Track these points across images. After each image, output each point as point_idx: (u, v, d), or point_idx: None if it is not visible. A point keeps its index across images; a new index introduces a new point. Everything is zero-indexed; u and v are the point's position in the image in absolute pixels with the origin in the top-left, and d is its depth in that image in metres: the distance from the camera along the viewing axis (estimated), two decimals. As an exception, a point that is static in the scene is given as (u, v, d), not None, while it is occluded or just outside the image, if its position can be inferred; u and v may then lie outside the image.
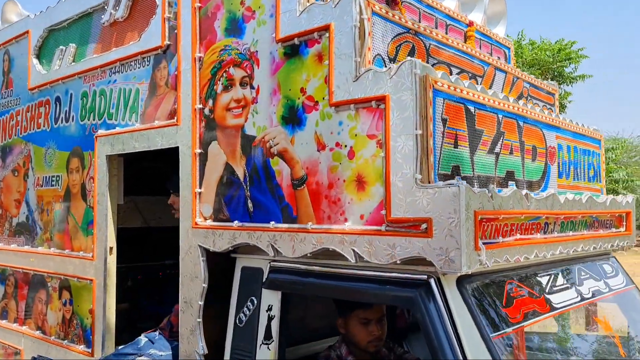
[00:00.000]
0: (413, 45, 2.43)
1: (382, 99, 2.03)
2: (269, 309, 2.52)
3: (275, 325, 2.49)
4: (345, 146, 2.16)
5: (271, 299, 2.51)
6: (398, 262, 1.98)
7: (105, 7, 3.40)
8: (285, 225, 2.34)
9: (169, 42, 2.94)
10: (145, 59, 3.09)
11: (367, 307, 2.64)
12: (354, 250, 2.09)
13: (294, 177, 2.33)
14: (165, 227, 4.21)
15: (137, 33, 3.18)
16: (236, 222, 2.54)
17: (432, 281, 1.98)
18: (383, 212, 2.02)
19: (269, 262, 2.53)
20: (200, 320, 2.71)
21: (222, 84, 2.64)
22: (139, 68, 3.13)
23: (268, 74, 2.46)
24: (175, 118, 2.85)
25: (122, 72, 3.25)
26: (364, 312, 2.62)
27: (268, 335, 2.51)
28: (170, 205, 3.25)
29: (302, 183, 2.30)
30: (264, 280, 2.53)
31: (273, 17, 2.44)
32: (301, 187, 2.31)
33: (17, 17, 4.64)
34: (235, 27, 2.61)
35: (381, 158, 2.04)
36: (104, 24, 3.39)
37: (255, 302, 2.58)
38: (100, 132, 3.35)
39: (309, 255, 2.26)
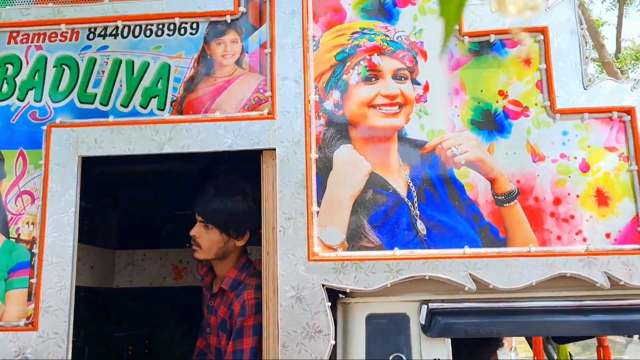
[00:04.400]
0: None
1: (626, 111, 1.95)
2: (435, 364, 1.94)
3: (448, 384, 1.92)
4: (575, 158, 1.95)
5: (437, 350, 1.94)
6: (667, 281, 1.84)
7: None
8: (493, 250, 1.90)
9: (244, 10, 2.14)
10: (190, 25, 2.15)
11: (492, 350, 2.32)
12: (606, 273, 1.85)
13: (497, 191, 1.95)
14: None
15: (156, -12, 2.21)
16: (397, 249, 1.92)
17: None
18: (642, 228, 1.87)
19: (422, 304, 1.97)
20: (325, 394, 1.87)
21: (359, 73, 2.06)
22: (171, 35, 2.15)
23: (443, 70, 2.05)
24: (268, 110, 2.04)
25: (123, 37, 2.17)
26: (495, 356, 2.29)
27: (440, 399, 1.91)
28: (192, 239, 2.22)
29: (512, 198, 1.94)
30: (425, 327, 1.94)
31: (447, 8, 2.08)
32: (510, 204, 1.94)
33: None
34: (379, 10, 2.11)
35: (630, 172, 1.92)
36: (78, -37, 2.24)
37: (404, 359, 1.95)
38: (63, 119, 2.10)
39: (533, 284, 1.87)
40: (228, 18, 2.13)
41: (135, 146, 2.06)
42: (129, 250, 3.40)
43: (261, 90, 2.08)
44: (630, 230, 1.89)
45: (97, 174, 2.26)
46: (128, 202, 3.28)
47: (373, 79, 2.05)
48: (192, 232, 2.22)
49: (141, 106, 2.10)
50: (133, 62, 2.14)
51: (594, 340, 2.72)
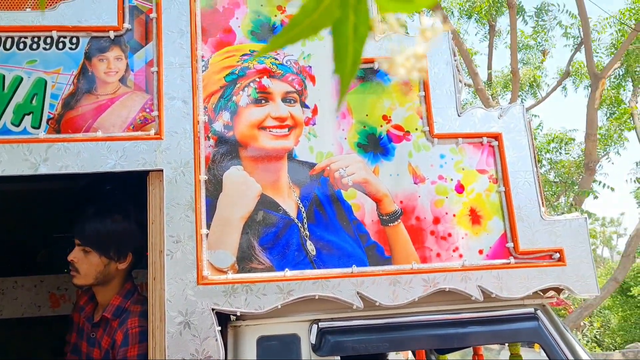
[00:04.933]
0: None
1: (494, 137, 2.13)
2: (324, 383, 1.97)
3: (337, 403, 1.95)
4: (452, 180, 2.09)
5: (327, 369, 1.98)
6: (532, 293, 2.02)
7: None
8: (379, 268, 1.98)
9: (129, 27, 2.08)
10: (70, 40, 2.04)
11: None
12: (480, 287, 1.99)
13: (382, 212, 2.03)
14: None
15: (32, -1, 2.08)
16: (288, 270, 1.94)
17: (539, 312, 2.10)
18: (509, 245, 2.04)
19: (312, 324, 2.01)
20: None
21: (248, 95, 2.07)
22: (48, 49, 2.02)
23: (330, 94, 2.11)
24: (154, 130, 1.99)
25: (-7, 49, 2.01)
26: None
27: (330, 419, 1.94)
28: (71, 264, 2.08)
29: (396, 218, 2.03)
30: (315, 347, 1.97)
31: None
32: (394, 223, 2.03)
33: None
34: (268, 33, 2.14)
35: (498, 193, 2.09)
36: (-61, -34, 2.04)
37: (296, 379, 1.96)
38: None
39: (416, 300, 1.97)
40: (111, 34, 2.05)
41: (5, 167, 1.90)
42: None
43: (147, 110, 2.02)
44: (499, 246, 2.06)
45: None
46: (-4, 225, 3.01)
47: (263, 101, 2.07)
48: (70, 257, 2.08)
49: (13, 124, 1.95)
50: (4, 76, 1.98)
51: (471, 348, 2.91)
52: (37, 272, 3.16)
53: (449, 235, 2.05)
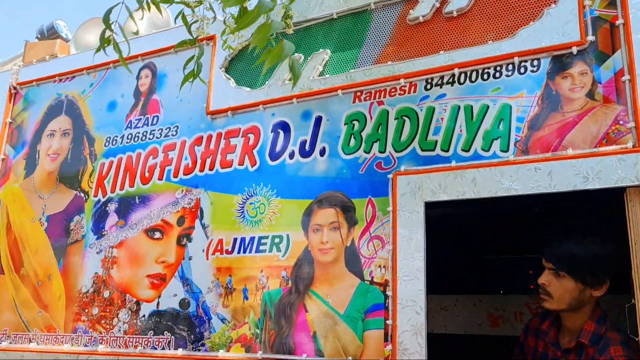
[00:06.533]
0: None
1: None
2: None
3: None
4: None
5: None
6: None
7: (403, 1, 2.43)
8: None
9: (592, 39, 1.99)
10: (531, 63, 2.09)
11: None
12: None
13: None
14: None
15: (487, 30, 2.21)
16: None
17: None
18: None
19: None
20: None
21: None
22: (510, 76, 2.11)
23: None
24: (632, 142, 1.83)
25: (460, 83, 2.20)
26: None
27: None
28: (541, 287, 2.08)
29: None
30: None
31: None
32: None
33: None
34: None
35: None
36: (411, 21, 2.38)
37: None
38: (407, 167, 2.20)
39: None
40: (574, 49, 2.00)
41: (480, 189, 2.03)
42: (441, 295, 3.40)
43: (621, 122, 1.88)
44: None
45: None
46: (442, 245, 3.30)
47: None
48: (541, 280, 2.07)
49: (483, 149, 2.08)
50: (472, 106, 2.15)
51: None
52: (474, 292, 3.33)
53: None
